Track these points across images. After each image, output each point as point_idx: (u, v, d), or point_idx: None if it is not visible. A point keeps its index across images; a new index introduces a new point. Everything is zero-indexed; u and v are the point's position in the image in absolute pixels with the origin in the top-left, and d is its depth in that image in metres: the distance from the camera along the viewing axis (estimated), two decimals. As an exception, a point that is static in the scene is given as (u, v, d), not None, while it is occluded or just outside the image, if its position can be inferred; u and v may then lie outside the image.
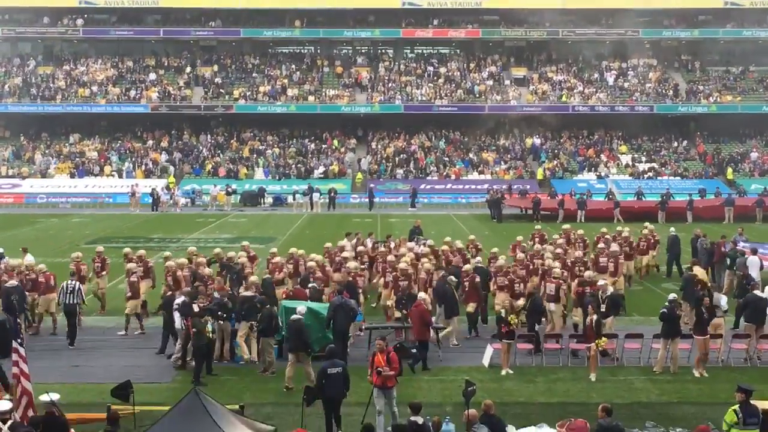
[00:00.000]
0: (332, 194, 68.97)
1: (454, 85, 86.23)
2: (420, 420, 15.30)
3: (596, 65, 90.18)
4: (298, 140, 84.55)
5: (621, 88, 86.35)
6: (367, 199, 69.80)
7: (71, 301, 26.59)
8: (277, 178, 78.34)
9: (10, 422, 14.43)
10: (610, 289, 26.14)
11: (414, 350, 23.49)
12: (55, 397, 15.56)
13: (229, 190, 70.72)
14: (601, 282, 26.48)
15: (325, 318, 23.91)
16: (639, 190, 68.57)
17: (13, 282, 26.30)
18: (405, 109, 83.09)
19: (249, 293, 24.54)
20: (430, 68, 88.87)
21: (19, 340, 18.49)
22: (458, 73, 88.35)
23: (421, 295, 25.18)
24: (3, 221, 58.66)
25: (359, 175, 78.30)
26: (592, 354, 22.91)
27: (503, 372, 22.84)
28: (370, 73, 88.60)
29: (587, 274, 27.50)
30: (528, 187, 71.73)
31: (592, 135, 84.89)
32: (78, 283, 27.29)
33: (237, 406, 17.43)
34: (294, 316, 21.95)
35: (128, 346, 26.28)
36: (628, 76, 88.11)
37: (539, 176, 77.39)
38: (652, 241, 37.21)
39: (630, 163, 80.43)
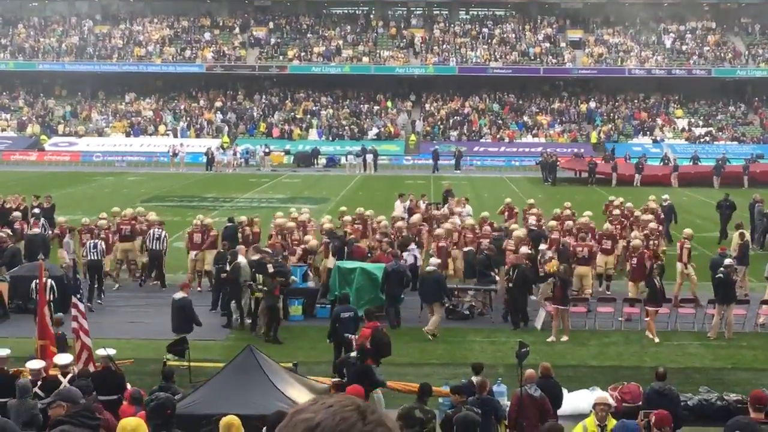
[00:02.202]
0: (374, 156, 68.82)
1: (509, 47, 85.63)
2: (479, 380, 15.29)
3: (654, 28, 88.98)
4: (352, 101, 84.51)
5: (678, 51, 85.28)
6: (426, 161, 69.87)
7: (156, 248, 27.77)
8: (331, 139, 78.43)
9: (69, 376, 14.68)
10: None
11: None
12: (111, 351, 15.77)
13: (266, 150, 70.69)
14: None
15: (378, 279, 24.12)
16: (695, 155, 67.83)
17: (35, 230, 26.91)
18: (459, 71, 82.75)
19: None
20: (485, 30, 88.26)
21: (78, 296, 18.72)
22: (513, 35, 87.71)
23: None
24: (60, 179, 59.30)
25: (412, 137, 78.18)
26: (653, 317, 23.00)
27: (550, 339, 22.73)
28: (424, 35, 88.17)
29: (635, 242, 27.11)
30: (582, 150, 71.16)
31: (648, 99, 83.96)
32: (164, 231, 28.39)
33: (290, 364, 17.59)
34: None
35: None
36: (686, 39, 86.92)
37: (593, 140, 76.80)
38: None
39: (686, 128, 79.53)
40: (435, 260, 25.10)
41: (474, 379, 15.29)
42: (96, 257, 26.46)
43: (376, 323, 18.87)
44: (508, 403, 16.15)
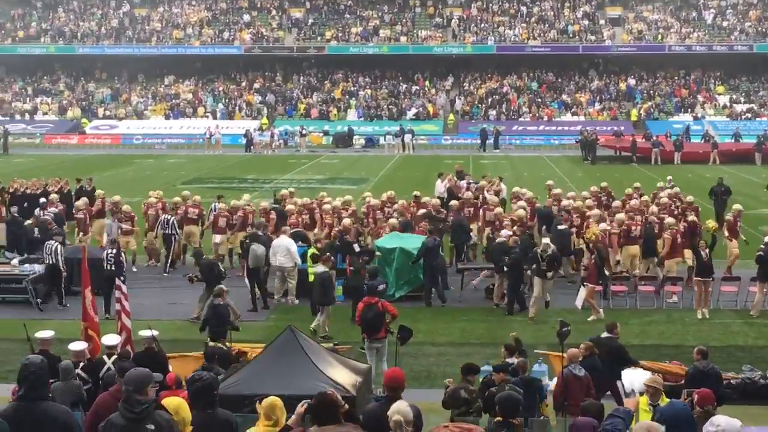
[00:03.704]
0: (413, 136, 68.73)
1: (547, 25, 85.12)
2: (521, 360, 15.22)
3: (694, 3, 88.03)
4: (390, 81, 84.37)
5: (719, 27, 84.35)
6: (464, 140, 69.83)
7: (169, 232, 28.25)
8: (369, 119, 78.41)
9: (114, 357, 14.80)
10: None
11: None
12: (155, 332, 15.88)
13: (303, 131, 70.72)
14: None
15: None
16: (736, 132, 67.17)
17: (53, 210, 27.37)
18: (497, 49, 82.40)
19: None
20: (523, 8, 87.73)
21: (122, 278, 18.87)
22: (552, 12, 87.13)
23: None
24: (101, 162, 59.71)
25: (451, 117, 77.99)
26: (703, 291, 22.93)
27: (591, 318, 22.63)
28: (462, 14, 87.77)
29: (691, 218, 26.86)
30: (622, 128, 70.62)
31: (688, 75, 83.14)
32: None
33: (331, 345, 17.62)
34: None
35: (225, 284, 26.61)
36: (727, 15, 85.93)
37: (633, 117, 76.29)
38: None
39: (727, 104, 78.73)
40: (506, 232, 25.05)
41: (514, 359, 15.23)
42: (169, 231, 27.91)
43: (371, 299, 18.67)
44: (550, 382, 16.12)
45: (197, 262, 23.70)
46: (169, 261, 28.20)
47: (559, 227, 26.27)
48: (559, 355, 16.24)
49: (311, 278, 23.00)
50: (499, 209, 28.27)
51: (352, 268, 22.97)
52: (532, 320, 22.19)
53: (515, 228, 25.64)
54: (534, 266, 22.82)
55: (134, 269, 27.74)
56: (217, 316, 18.51)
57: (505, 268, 23.51)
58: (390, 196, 30.25)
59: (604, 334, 16.83)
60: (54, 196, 32.09)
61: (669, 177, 37.17)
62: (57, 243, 24.49)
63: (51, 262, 24.08)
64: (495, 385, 13.42)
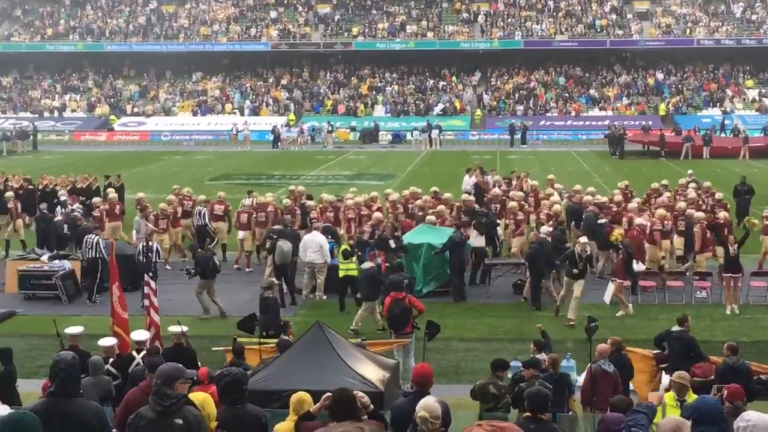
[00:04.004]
0: (440, 131, 68.67)
1: (574, 19, 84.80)
2: (543, 357, 15.22)
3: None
4: (417, 77, 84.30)
5: (748, 20, 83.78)
6: (491, 136, 69.79)
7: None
8: (396, 115, 78.38)
9: (143, 352, 14.87)
10: None
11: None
12: (185, 328, 15.95)
13: (330, 127, 70.79)
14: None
15: (446, 257, 24.13)
16: (766, 126, 66.73)
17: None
18: (525, 44, 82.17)
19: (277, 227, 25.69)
20: (551, 3, 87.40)
21: (150, 274, 18.95)
22: (579, 7, 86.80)
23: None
24: (129, 158, 59.97)
25: (478, 112, 77.85)
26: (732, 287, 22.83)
27: (619, 313, 22.55)
28: (489, 9, 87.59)
29: (722, 215, 26.70)
30: (650, 123, 70.23)
31: (717, 69, 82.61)
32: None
33: (359, 340, 17.64)
34: None
35: (250, 280, 26.72)
36: (756, 8, 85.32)
37: (662, 112, 75.86)
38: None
39: (757, 98, 78.17)
40: (546, 228, 24.99)
41: (541, 356, 15.21)
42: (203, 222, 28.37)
43: (398, 294, 18.71)
44: (578, 378, 16.08)
45: (193, 256, 23.85)
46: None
47: (600, 221, 26.26)
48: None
49: (341, 274, 23.09)
50: (513, 203, 28.17)
51: (388, 264, 22.93)
52: (569, 322, 21.93)
53: (551, 222, 25.69)
54: (570, 268, 22.37)
55: (168, 267, 27.73)
56: (266, 308, 18.70)
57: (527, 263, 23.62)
58: (413, 192, 30.31)
59: (676, 328, 16.73)
60: (62, 192, 32.39)
61: (690, 171, 36.98)
62: (97, 236, 24.68)
63: (91, 256, 24.25)
64: (525, 381, 13.41)
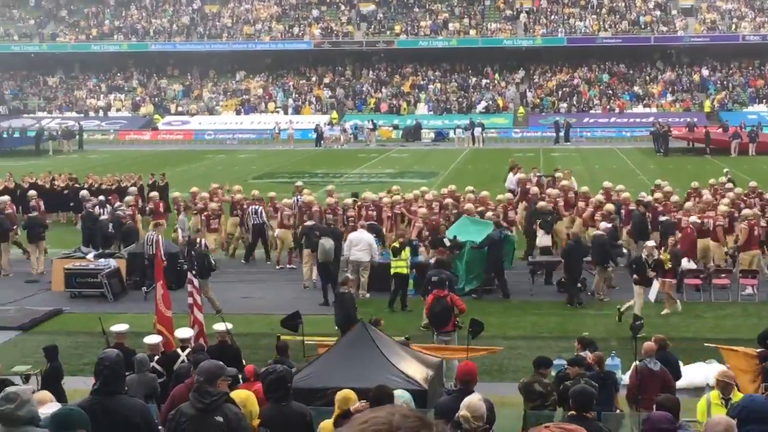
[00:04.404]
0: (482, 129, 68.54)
1: (618, 16, 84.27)
2: (588, 354, 15.12)
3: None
4: (460, 75, 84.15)
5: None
6: (534, 134, 69.59)
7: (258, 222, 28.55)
8: (438, 113, 78.30)
9: (188, 349, 14.96)
10: None
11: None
12: (229, 326, 16.03)
13: (371, 126, 70.78)
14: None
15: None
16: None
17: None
18: (568, 41, 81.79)
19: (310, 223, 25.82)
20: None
21: (194, 272, 19.05)
22: (623, 3, 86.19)
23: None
24: (173, 157, 60.33)
25: (521, 110, 77.59)
26: None
27: (665, 312, 22.39)
28: (532, 6, 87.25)
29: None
30: (695, 120, 69.61)
31: (763, 65, 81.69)
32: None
33: (403, 338, 17.63)
34: None
35: (292, 278, 26.81)
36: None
37: (706, 109, 75.18)
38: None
39: (804, 94, 77.32)
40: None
41: (586, 353, 15.11)
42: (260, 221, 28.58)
43: (441, 292, 18.69)
44: (623, 376, 15.97)
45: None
46: (255, 252, 29.07)
47: (662, 218, 26.11)
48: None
49: (392, 271, 23.12)
50: (542, 203, 28.01)
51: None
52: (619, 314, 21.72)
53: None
54: (639, 273, 21.82)
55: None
56: (341, 304, 18.81)
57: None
58: (451, 191, 30.28)
59: None
60: (83, 193, 32.63)
61: (726, 170, 36.63)
62: (157, 234, 24.88)
63: (152, 253, 24.47)
64: (570, 379, 13.34)
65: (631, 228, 26.50)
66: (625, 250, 25.57)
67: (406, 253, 23.33)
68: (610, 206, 26.94)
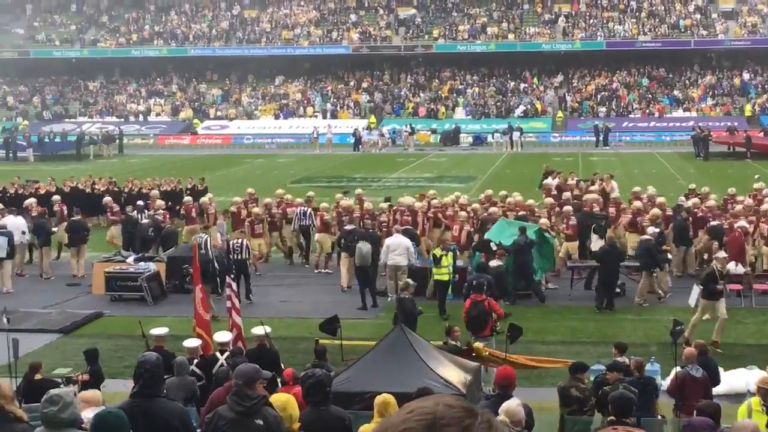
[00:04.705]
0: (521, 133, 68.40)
1: (658, 19, 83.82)
2: (626, 360, 15.07)
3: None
4: (498, 79, 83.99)
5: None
6: (573, 138, 69.47)
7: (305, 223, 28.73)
8: (477, 117, 78.18)
9: (227, 353, 15.03)
10: None
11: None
12: (268, 329, 16.08)
13: (409, 130, 70.73)
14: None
15: (547, 248, 24.08)
16: None
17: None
18: (607, 45, 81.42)
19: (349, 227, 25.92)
20: (633, 3, 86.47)
21: (232, 276, 19.13)
22: (662, 7, 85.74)
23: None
24: (212, 161, 60.63)
25: (560, 114, 77.32)
26: None
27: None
28: (571, 10, 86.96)
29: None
30: (736, 124, 69.06)
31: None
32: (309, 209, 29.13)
33: (441, 342, 17.61)
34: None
35: (330, 282, 26.87)
36: None
37: (747, 113, 74.57)
38: None
39: None
40: (652, 229, 24.74)
41: (618, 359, 15.03)
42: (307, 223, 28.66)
43: (478, 296, 18.64)
44: (662, 382, 15.87)
45: (228, 256, 24.08)
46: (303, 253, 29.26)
47: (712, 223, 25.96)
48: None
49: (435, 278, 23.06)
50: (567, 207, 27.89)
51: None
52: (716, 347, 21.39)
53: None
54: (711, 286, 20.49)
55: (258, 273, 27.64)
56: (402, 309, 18.87)
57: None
58: (487, 196, 30.23)
59: None
60: (107, 199, 32.87)
61: (757, 176, 36.34)
62: (207, 235, 25.05)
63: (238, 257, 24.66)
64: (608, 384, 13.28)
65: (673, 233, 26.33)
66: (670, 256, 25.39)
67: (448, 259, 23.20)
68: (656, 211, 26.73)
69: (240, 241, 24.85)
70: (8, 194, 35.24)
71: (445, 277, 22.87)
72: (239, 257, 24.42)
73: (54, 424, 7.61)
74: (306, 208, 29.04)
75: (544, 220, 26.06)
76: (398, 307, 18.89)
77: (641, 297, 23.60)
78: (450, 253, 23.45)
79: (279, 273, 28.25)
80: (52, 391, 7.86)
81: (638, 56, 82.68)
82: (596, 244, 25.68)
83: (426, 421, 2.70)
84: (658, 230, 24.59)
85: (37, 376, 14.47)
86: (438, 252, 23.37)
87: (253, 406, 8.66)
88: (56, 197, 32.33)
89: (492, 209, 27.69)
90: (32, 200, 31.47)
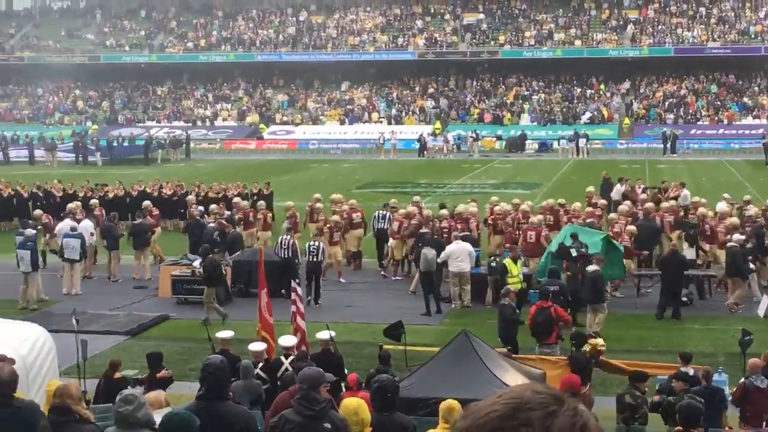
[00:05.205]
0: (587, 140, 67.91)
1: (727, 26, 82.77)
2: (690, 371, 14.88)
3: None
4: (564, 85, 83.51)
5: None
6: (639, 144, 68.89)
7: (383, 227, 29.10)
8: (542, 123, 77.81)
9: (291, 357, 15.09)
10: None
11: None
12: (333, 333, 16.12)
13: (474, 136, 70.52)
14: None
15: (616, 256, 23.92)
16: None
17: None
18: (675, 52, 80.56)
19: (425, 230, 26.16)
20: (702, 9, 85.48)
21: (297, 280, 19.21)
22: (732, 13, 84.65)
23: None
24: (278, 166, 60.91)
25: (626, 121, 76.64)
26: None
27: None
28: (639, 16, 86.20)
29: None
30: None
31: None
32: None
33: (505, 349, 17.54)
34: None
35: (398, 288, 26.88)
36: None
37: (819, 120, 73.44)
38: None
39: None
40: (738, 236, 24.47)
41: (683, 369, 14.84)
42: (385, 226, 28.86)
43: (544, 303, 18.50)
44: (730, 393, 15.66)
45: (203, 260, 24.19)
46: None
47: None
48: None
49: (519, 286, 22.78)
50: (612, 215, 27.58)
51: (569, 273, 22.72)
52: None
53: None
54: None
55: (342, 280, 27.78)
56: (502, 316, 18.96)
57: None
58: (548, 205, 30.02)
59: None
60: (191, 198, 33.13)
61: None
62: (292, 238, 25.24)
63: (286, 256, 24.80)
64: (674, 394, 13.14)
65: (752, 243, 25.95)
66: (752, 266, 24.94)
67: (518, 268, 23.03)
68: (734, 220, 26.39)
69: (316, 243, 25.10)
70: (78, 197, 35.85)
71: (518, 286, 22.44)
72: (314, 259, 24.79)
73: (128, 424, 7.70)
74: (385, 212, 29.23)
75: (630, 227, 25.93)
76: (499, 315, 18.92)
77: (734, 303, 23.24)
78: (520, 262, 23.29)
79: (344, 277, 28.27)
80: (126, 392, 7.96)
81: (707, 63, 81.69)
82: (689, 252, 25.37)
83: (512, 404, 2.75)
84: (743, 237, 24.28)
85: (116, 375, 14.72)
86: (509, 261, 23.15)
87: (321, 410, 8.68)
88: (94, 201, 32.74)
89: (537, 217, 27.49)
90: (93, 202, 32.04)
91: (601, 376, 18.54)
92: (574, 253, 23.26)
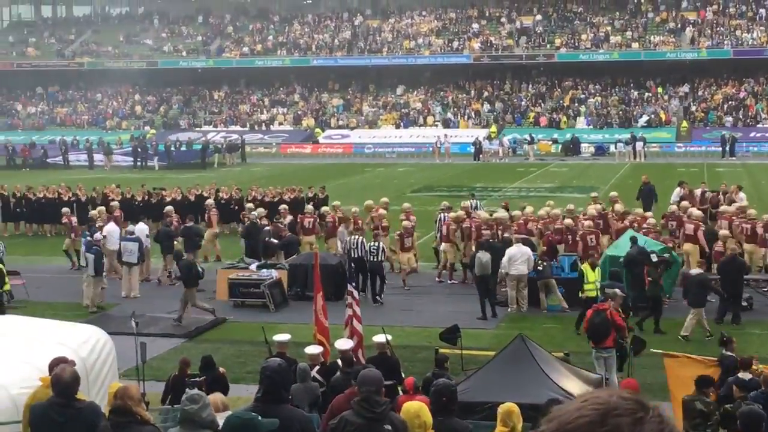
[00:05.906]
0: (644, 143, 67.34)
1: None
2: (747, 376, 14.69)
3: None
4: (621, 88, 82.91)
5: None
6: (698, 148, 68.24)
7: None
8: (599, 127, 77.32)
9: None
10: None
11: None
12: (389, 337, 16.15)
13: (529, 139, 70.24)
14: None
15: (677, 265, 23.77)
16: None
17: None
18: (734, 54, 79.66)
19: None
20: (762, 11, 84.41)
21: (353, 284, 19.25)
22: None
23: None
24: (333, 170, 61.11)
25: (684, 124, 75.91)
26: None
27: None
28: (697, 18, 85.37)
29: None
30: None
31: None
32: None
33: (562, 354, 17.46)
34: None
35: (453, 292, 26.86)
36: None
37: None
38: None
39: None
40: None
41: (741, 375, 14.65)
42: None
43: (601, 305, 18.31)
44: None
45: (177, 262, 24.27)
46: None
47: None
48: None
49: (585, 295, 22.47)
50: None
51: (650, 278, 22.58)
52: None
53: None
54: None
55: (407, 288, 27.64)
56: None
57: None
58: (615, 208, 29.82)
59: None
60: (250, 206, 33.24)
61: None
62: (361, 237, 25.45)
63: (357, 255, 24.99)
64: (734, 400, 12.98)
65: None
66: None
67: (596, 275, 22.50)
68: None
69: (376, 243, 25.32)
70: (136, 201, 36.33)
71: (593, 293, 21.81)
72: (375, 259, 25.19)
73: (193, 423, 7.77)
74: (446, 214, 29.17)
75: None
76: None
77: None
78: (598, 268, 22.93)
79: (399, 281, 28.26)
80: (191, 391, 8.04)
81: (767, 65, 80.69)
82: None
83: (600, 410, 2.79)
84: None
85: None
86: (586, 267, 22.89)
87: (382, 412, 8.72)
88: (114, 203, 33.08)
89: (587, 222, 27.33)
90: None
91: (661, 382, 18.39)
92: (654, 258, 23.05)
